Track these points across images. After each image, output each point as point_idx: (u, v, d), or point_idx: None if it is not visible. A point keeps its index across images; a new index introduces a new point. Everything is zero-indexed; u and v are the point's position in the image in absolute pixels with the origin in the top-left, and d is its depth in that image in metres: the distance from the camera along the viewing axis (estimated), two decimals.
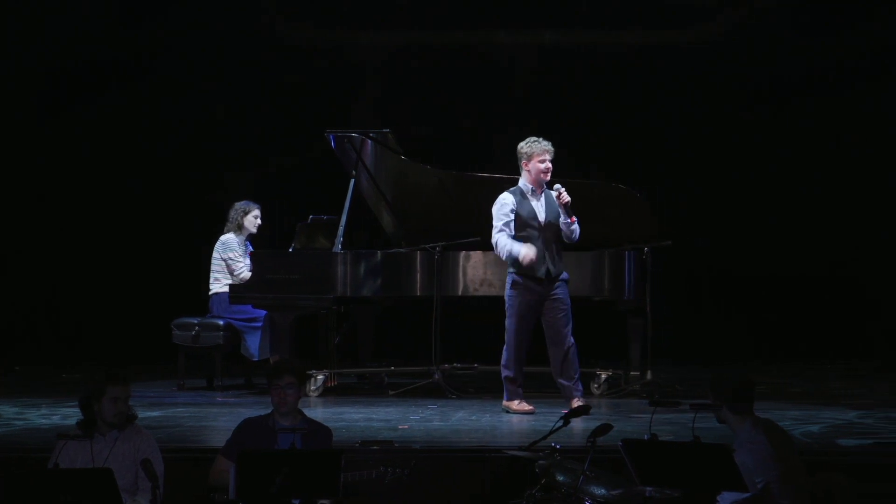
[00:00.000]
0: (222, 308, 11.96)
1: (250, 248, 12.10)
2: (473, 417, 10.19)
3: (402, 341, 13.72)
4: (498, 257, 11.10)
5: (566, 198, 10.12)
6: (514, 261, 10.21)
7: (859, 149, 14.63)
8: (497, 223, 10.26)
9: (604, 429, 7.11)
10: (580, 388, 10.37)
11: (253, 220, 12.19)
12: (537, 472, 7.12)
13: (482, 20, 14.91)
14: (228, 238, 12.11)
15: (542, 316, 10.30)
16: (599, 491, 6.96)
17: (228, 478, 6.99)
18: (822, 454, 8.42)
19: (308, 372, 11.26)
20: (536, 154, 10.21)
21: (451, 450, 8.66)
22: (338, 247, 11.54)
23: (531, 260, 10.11)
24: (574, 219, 10.14)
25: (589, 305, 10.71)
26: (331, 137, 11.79)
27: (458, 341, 12.74)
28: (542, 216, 10.25)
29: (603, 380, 11.53)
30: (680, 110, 14.86)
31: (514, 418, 10.11)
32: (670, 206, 14.43)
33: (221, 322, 11.95)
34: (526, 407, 10.30)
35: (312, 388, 11.41)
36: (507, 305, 10.35)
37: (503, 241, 10.20)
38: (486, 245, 11.31)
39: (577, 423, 8.01)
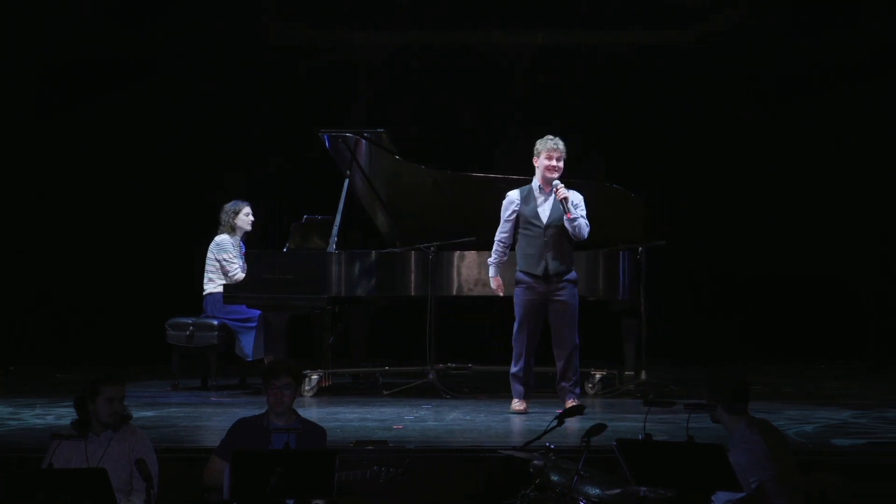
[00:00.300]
0: (216, 308, 11.96)
1: (244, 249, 12.11)
2: (468, 417, 10.17)
3: (397, 341, 13.75)
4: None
5: (562, 193, 10.12)
6: (518, 258, 10.29)
7: (859, 149, 14.61)
8: (501, 221, 10.38)
9: (598, 429, 7.11)
10: (577, 391, 10.37)
11: (245, 218, 12.20)
12: (532, 472, 7.11)
13: (482, 20, 14.90)
14: (222, 239, 12.11)
15: (548, 316, 10.31)
16: (594, 491, 6.96)
17: (223, 478, 7.02)
18: (816, 454, 8.41)
19: (303, 372, 11.27)
20: (544, 152, 10.24)
21: (445, 450, 8.66)
22: (332, 247, 11.54)
23: (498, 292, 10.48)
24: (570, 214, 10.12)
25: (583, 305, 10.69)
26: (325, 137, 11.79)
27: (453, 341, 12.78)
28: (545, 214, 10.25)
29: (597, 380, 11.53)
30: (680, 110, 14.85)
31: (509, 418, 10.10)
32: (670, 206, 14.49)
33: (216, 322, 11.95)
34: (518, 406, 10.31)
35: (307, 387, 11.41)
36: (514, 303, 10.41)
37: (492, 255, 10.43)
38: (481, 245, 11.35)
39: (572, 423, 8.05)
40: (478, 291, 11.44)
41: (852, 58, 14.55)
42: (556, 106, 14.70)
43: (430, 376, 11.41)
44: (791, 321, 14.59)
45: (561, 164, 10.25)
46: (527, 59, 14.98)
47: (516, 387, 10.37)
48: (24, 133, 14.80)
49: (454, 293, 11.47)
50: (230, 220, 12.15)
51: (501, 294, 10.52)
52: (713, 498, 6.81)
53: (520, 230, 10.31)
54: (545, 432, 7.36)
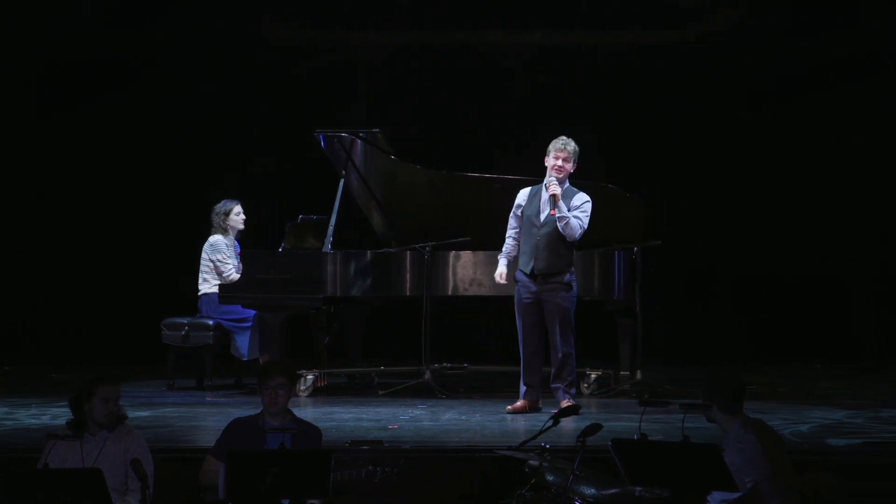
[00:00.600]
0: (211, 308, 11.96)
1: (238, 249, 12.11)
2: (463, 417, 10.16)
3: (392, 341, 13.75)
4: (487, 257, 11.16)
5: (553, 189, 10.11)
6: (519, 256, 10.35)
7: (859, 149, 14.61)
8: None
9: (593, 429, 7.11)
10: (573, 392, 10.37)
11: (236, 217, 12.19)
12: (527, 472, 7.11)
13: (481, 20, 14.90)
14: (216, 240, 12.11)
15: (544, 317, 10.32)
16: (589, 491, 6.95)
17: (218, 478, 7.01)
18: (811, 454, 8.42)
19: (298, 372, 11.26)
20: (552, 151, 10.25)
21: (440, 450, 8.65)
22: (327, 247, 11.54)
23: (498, 279, 10.43)
24: (555, 211, 10.10)
25: (579, 305, 10.68)
26: (320, 137, 11.79)
27: (448, 341, 12.78)
28: (544, 214, 10.25)
29: (593, 380, 11.53)
30: (680, 110, 14.85)
31: (505, 418, 10.10)
32: (670, 206, 14.48)
33: (211, 322, 11.95)
34: (514, 405, 10.31)
35: (302, 387, 11.39)
36: None
37: (505, 245, 10.40)
38: (476, 245, 11.35)
39: (567, 423, 8.01)
40: (473, 291, 11.45)
41: (852, 58, 14.54)
42: (556, 106, 14.70)
43: (426, 376, 11.40)
44: (790, 321, 14.58)
45: (568, 165, 10.22)
46: (527, 59, 14.97)
47: (521, 387, 10.39)
48: (24, 133, 14.80)
49: (450, 293, 11.47)
50: (221, 221, 12.15)
51: (503, 282, 10.45)
52: (709, 498, 6.82)
53: (522, 227, 10.34)
54: (541, 432, 7.37)
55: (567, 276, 10.26)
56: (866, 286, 14.69)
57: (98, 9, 14.71)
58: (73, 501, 6.56)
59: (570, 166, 10.24)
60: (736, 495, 6.80)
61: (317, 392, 11.54)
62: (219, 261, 12.00)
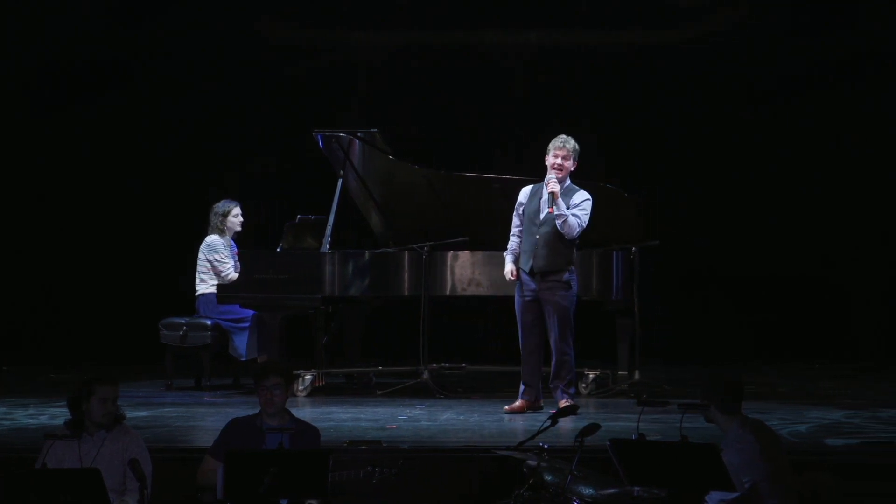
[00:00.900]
0: (209, 309, 11.96)
1: (235, 248, 12.12)
2: (462, 417, 10.17)
3: (390, 341, 13.74)
4: (485, 257, 11.16)
5: (552, 187, 10.11)
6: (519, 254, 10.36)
7: (859, 149, 14.61)
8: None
9: (591, 429, 7.11)
10: (571, 391, 10.37)
11: (234, 219, 12.19)
12: (525, 472, 7.11)
13: (481, 20, 14.90)
14: (213, 240, 12.11)
15: (543, 317, 10.31)
16: (587, 491, 6.95)
17: (216, 478, 7.00)
18: (809, 454, 8.43)
19: (295, 372, 11.26)
20: (551, 149, 10.27)
21: (439, 450, 8.66)
22: (326, 246, 11.55)
23: (509, 278, 10.35)
24: (553, 209, 10.10)
25: (578, 305, 10.67)
26: (318, 137, 11.79)
27: (447, 341, 12.77)
28: (543, 211, 10.25)
29: (591, 379, 11.53)
30: (680, 110, 14.84)
31: (503, 418, 10.10)
32: (670, 206, 14.47)
33: (209, 322, 11.95)
34: (512, 405, 10.32)
35: (300, 387, 11.40)
36: None
37: (510, 243, 10.38)
38: (475, 245, 11.35)
39: (565, 423, 8.01)
40: (471, 291, 11.45)
41: (852, 58, 14.54)
42: (556, 106, 14.69)
43: (424, 376, 11.40)
44: (789, 321, 14.58)
45: (568, 163, 10.22)
46: (527, 59, 14.97)
47: (520, 386, 10.39)
48: (24, 133, 14.80)
49: (448, 293, 11.47)
50: (219, 222, 12.15)
51: (514, 278, 10.38)
52: (707, 498, 6.81)
53: (522, 225, 10.35)
54: (539, 432, 7.36)
55: (566, 275, 10.25)
56: (866, 286, 14.69)
57: (98, 9, 14.71)
58: (72, 501, 6.56)
59: (569, 164, 10.24)
60: (734, 495, 6.79)
61: (315, 392, 11.53)
62: (217, 260, 12.00)
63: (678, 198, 14.72)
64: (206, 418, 10.14)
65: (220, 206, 12.20)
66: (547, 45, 14.97)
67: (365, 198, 12.18)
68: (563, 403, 9.63)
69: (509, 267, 10.39)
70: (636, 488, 6.72)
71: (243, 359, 11.92)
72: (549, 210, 10.14)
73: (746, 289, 14.69)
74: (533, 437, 7.34)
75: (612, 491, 6.93)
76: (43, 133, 14.82)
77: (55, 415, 9.80)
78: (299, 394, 11.32)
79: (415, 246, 11.43)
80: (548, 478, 7.02)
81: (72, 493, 6.57)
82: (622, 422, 9.14)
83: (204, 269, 12.05)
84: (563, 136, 10.28)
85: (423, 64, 14.94)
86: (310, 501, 6.96)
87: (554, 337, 10.24)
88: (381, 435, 9.05)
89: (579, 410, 8.36)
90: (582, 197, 10.25)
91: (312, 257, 11.57)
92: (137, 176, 14.82)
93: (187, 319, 12.03)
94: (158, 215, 14.63)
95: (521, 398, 10.33)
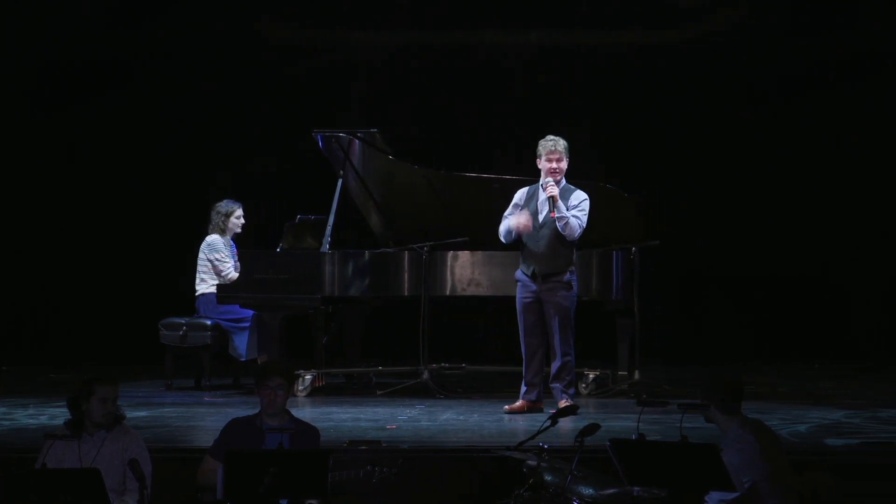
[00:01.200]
0: (209, 309, 11.96)
1: (235, 249, 12.11)
2: (461, 417, 10.17)
3: (390, 341, 13.74)
4: (485, 257, 11.15)
5: (551, 191, 10.10)
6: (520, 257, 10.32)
7: (859, 149, 14.60)
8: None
9: (591, 429, 7.11)
10: (571, 391, 10.36)
11: (236, 221, 12.19)
12: (525, 472, 7.11)
13: (481, 20, 14.90)
14: (214, 239, 12.11)
15: (545, 317, 10.31)
16: (587, 491, 6.95)
17: (216, 478, 7.00)
18: (809, 454, 8.43)
19: (296, 372, 11.27)
20: (544, 155, 10.23)
21: (439, 450, 8.66)
22: (326, 247, 11.55)
23: (525, 226, 10.20)
24: (555, 214, 10.10)
25: (578, 305, 10.67)
26: (318, 137, 11.79)
27: (446, 341, 12.76)
28: (542, 215, 10.24)
29: (591, 380, 11.52)
30: (680, 110, 14.84)
31: (503, 418, 10.10)
32: (670, 206, 14.47)
33: (209, 322, 11.95)
34: (511, 405, 10.33)
35: (300, 387, 11.40)
36: None
37: (501, 225, 10.31)
38: (475, 245, 11.35)
39: (565, 423, 8.01)
40: (471, 291, 11.45)
41: (852, 58, 14.54)
42: (556, 106, 14.69)
43: (424, 376, 11.40)
44: (790, 321, 14.58)
45: (562, 165, 10.22)
46: (527, 59, 14.96)
47: (522, 387, 10.39)
48: (24, 133, 14.80)
49: (448, 293, 11.47)
50: (221, 222, 12.15)
51: (528, 226, 10.31)
52: (706, 498, 6.81)
53: None
54: (539, 432, 7.36)
55: (567, 276, 10.25)
56: (866, 286, 14.68)
57: (98, 9, 14.71)
58: (72, 501, 6.56)
59: (564, 164, 10.24)
60: (734, 495, 6.79)
61: (315, 392, 11.53)
62: (217, 260, 12.00)
63: (678, 198, 14.73)
64: (206, 418, 10.14)
65: (223, 206, 12.20)
66: (547, 45, 14.96)
67: (365, 198, 12.18)
68: (563, 403, 9.63)
69: (521, 216, 10.27)
70: (636, 488, 6.73)
71: (243, 359, 11.91)
72: (551, 214, 10.13)
73: (746, 289, 14.69)
74: (533, 438, 7.34)
75: (612, 491, 6.93)
76: (43, 133, 14.82)
77: (55, 415, 9.80)
78: (299, 394, 11.32)
79: (415, 246, 11.42)
80: (548, 478, 7.02)
81: (72, 493, 6.57)
82: (622, 422, 9.14)
83: (204, 269, 12.05)
84: (551, 136, 10.28)
85: (423, 64, 14.93)
86: (310, 501, 6.96)
87: (555, 337, 10.23)
88: (381, 435, 9.05)
89: (579, 410, 8.36)
90: (580, 197, 10.25)
91: (312, 257, 11.57)
92: (137, 176, 14.82)
93: (187, 319, 12.02)
94: (158, 215, 14.63)
95: (522, 398, 10.33)
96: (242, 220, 12.23)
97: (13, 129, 14.76)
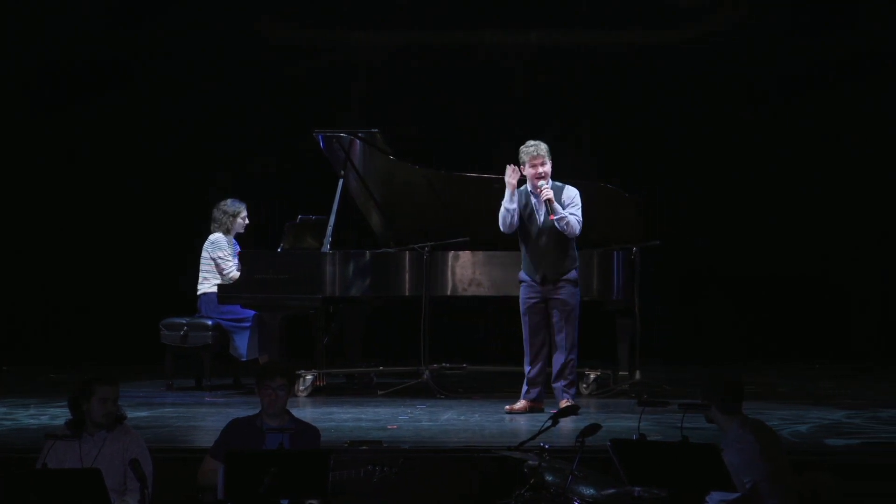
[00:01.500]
0: (210, 308, 11.96)
1: (237, 248, 12.11)
2: (462, 417, 10.17)
3: (391, 341, 13.74)
4: (486, 257, 11.15)
5: (546, 194, 10.10)
6: (522, 261, 10.31)
7: (859, 149, 14.61)
8: None
9: (592, 429, 7.11)
10: (572, 391, 10.35)
11: (241, 221, 12.18)
12: (526, 472, 7.11)
13: (481, 20, 14.90)
14: (217, 238, 12.11)
15: (549, 316, 10.30)
16: (588, 491, 6.95)
17: (216, 478, 7.00)
18: (810, 454, 8.43)
19: (297, 372, 11.28)
20: (527, 161, 10.20)
21: (439, 450, 8.65)
22: (326, 247, 11.55)
23: (512, 185, 10.14)
24: (554, 216, 10.09)
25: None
26: (319, 137, 11.79)
27: (447, 341, 12.76)
28: (540, 220, 10.24)
29: (592, 380, 11.52)
30: (680, 110, 14.84)
31: (504, 418, 10.10)
32: (670, 206, 14.48)
33: (210, 322, 11.94)
34: (513, 405, 10.32)
35: (301, 388, 11.40)
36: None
37: (500, 221, 10.26)
38: (475, 245, 11.34)
39: (566, 423, 8.01)
40: (472, 291, 11.45)
41: (852, 58, 14.54)
42: (556, 106, 14.72)
43: (425, 376, 11.40)
44: (790, 321, 14.58)
45: (547, 168, 10.20)
46: (527, 59, 14.97)
47: (523, 387, 10.38)
48: (24, 133, 14.80)
49: (448, 293, 11.46)
50: (228, 221, 12.15)
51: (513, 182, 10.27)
52: (707, 498, 6.81)
53: (519, 235, 10.32)
54: (539, 432, 7.36)
55: (573, 273, 10.27)
56: (866, 286, 14.69)
57: (98, 9, 14.71)
58: (72, 501, 6.56)
59: (548, 167, 10.20)
60: (735, 495, 6.79)
61: (316, 392, 11.53)
62: (220, 258, 12.00)
63: (678, 198, 14.73)
64: (207, 418, 10.14)
65: (229, 206, 12.19)
66: (547, 45, 14.97)
67: (366, 198, 12.18)
68: (564, 403, 9.63)
69: (510, 176, 10.20)
70: (637, 488, 6.73)
71: (244, 359, 11.91)
72: (551, 217, 10.12)
73: (746, 289, 14.69)
74: (534, 438, 7.33)
75: (612, 491, 6.93)
76: (43, 133, 14.82)
77: (56, 415, 9.80)
78: (300, 394, 11.33)
79: (415, 246, 11.42)
80: (548, 478, 7.02)
81: (72, 493, 6.57)
82: (623, 422, 9.15)
83: (207, 268, 12.05)
84: (531, 142, 10.24)
85: (423, 64, 14.93)
86: (310, 501, 6.95)
87: (560, 336, 10.23)
88: (382, 435, 9.05)
89: (580, 410, 8.37)
90: (570, 193, 10.26)
91: (313, 257, 11.57)
92: (137, 176, 14.82)
93: (188, 319, 12.02)
94: (158, 215, 14.63)
95: (524, 398, 10.33)
96: (246, 221, 12.24)
97: (13, 129, 14.76)
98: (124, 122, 14.85)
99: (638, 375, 11.46)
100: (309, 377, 11.53)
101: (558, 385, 10.26)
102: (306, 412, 9.90)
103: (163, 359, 12.17)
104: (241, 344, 11.88)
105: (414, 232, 11.84)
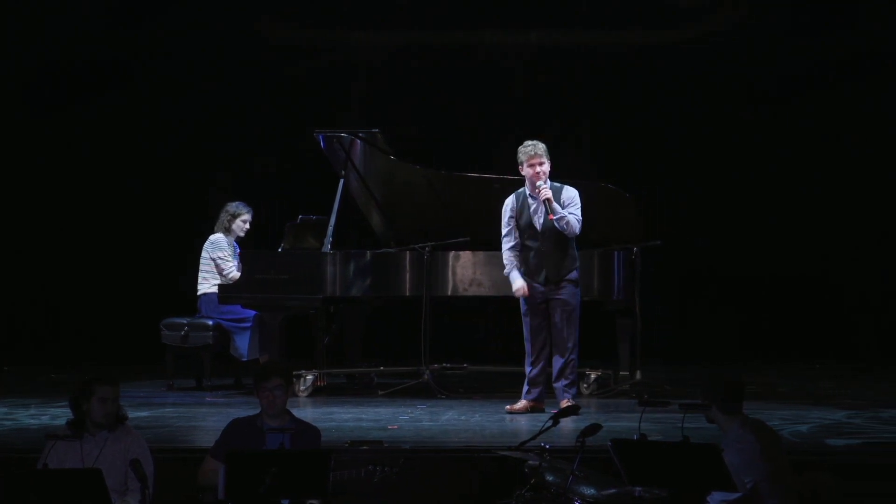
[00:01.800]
0: (211, 308, 11.96)
1: (238, 249, 12.11)
2: (463, 417, 10.16)
3: (392, 341, 13.76)
4: (487, 257, 11.15)
5: (545, 194, 10.10)
6: (522, 263, 10.32)
7: (859, 149, 14.61)
8: (502, 231, 10.34)
9: (593, 429, 7.11)
10: (573, 391, 10.35)
11: (241, 224, 12.19)
12: (527, 472, 7.10)
13: (481, 20, 14.90)
14: (217, 238, 12.11)
15: (550, 316, 10.30)
16: (589, 491, 6.95)
17: (217, 478, 6.99)
18: (810, 454, 8.42)
19: (297, 372, 11.30)
20: (525, 161, 10.20)
21: (440, 450, 8.63)
22: (327, 247, 11.54)
23: (521, 294, 10.26)
24: (553, 216, 10.09)
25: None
26: (320, 137, 11.79)
27: (448, 341, 12.77)
28: (539, 221, 10.23)
29: (592, 380, 11.52)
30: (680, 110, 14.85)
31: (504, 418, 10.09)
32: (670, 206, 14.50)
33: (210, 322, 11.94)
34: (513, 405, 10.32)
35: (302, 388, 11.40)
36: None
37: (506, 259, 10.31)
38: (476, 245, 11.35)
39: (567, 423, 8.02)
40: (472, 291, 11.44)
41: (852, 58, 14.54)
42: (556, 106, 14.72)
43: (426, 376, 11.38)
44: (790, 321, 14.59)
45: (545, 168, 10.19)
46: (527, 59, 14.97)
47: (524, 387, 10.38)
48: (24, 133, 14.80)
49: (449, 293, 11.45)
50: (227, 221, 12.16)
51: (527, 293, 10.29)
52: (708, 498, 6.81)
53: (519, 237, 10.31)
54: (540, 432, 7.37)
55: (574, 273, 10.27)
56: (866, 286, 14.68)
57: (98, 9, 14.71)
58: (73, 502, 6.56)
59: (547, 167, 10.20)
60: (736, 495, 6.79)
61: (316, 392, 11.52)
62: (220, 258, 12.00)
63: (678, 198, 14.74)
64: (207, 418, 10.13)
65: (232, 207, 12.20)
66: (547, 45, 14.97)
67: (366, 198, 12.18)
68: (564, 403, 9.63)
69: (521, 283, 10.26)
70: (637, 488, 6.73)
71: (245, 359, 11.91)
72: (550, 217, 10.12)
73: (747, 289, 14.70)
74: (534, 438, 7.34)
75: (613, 491, 6.93)
76: (43, 133, 14.82)
77: (56, 415, 9.81)
78: (301, 394, 11.33)
79: (416, 246, 11.42)
80: (549, 478, 7.02)
81: (73, 493, 6.57)
82: (623, 422, 9.14)
83: (207, 268, 12.05)
84: (529, 142, 10.24)
85: (423, 64, 14.94)
86: (311, 501, 6.95)
87: (562, 336, 10.23)
88: (383, 435, 9.04)
89: (581, 410, 8.36)
90: (569, 193, 10.26)
91: (314, 257, 11.57)
92: (137, 176, 14.83)
93: (189, 320, 12.02)
94: (158, 215, 14.63)
95: (525, 398, 10.33)
96: (248, 226, 12.23)
97: (13, 129, 14.76)
98: (124, 122, 14.86)
99: (638, 375, 11.46)
100: (309, 377, 11.53)
101: (559, 385, 10.26)
102: (307, 412, 9.90)
103: (163, 359, 12.17)
104: (242, 344, 11.88)
105: (414, 232, 11.84)
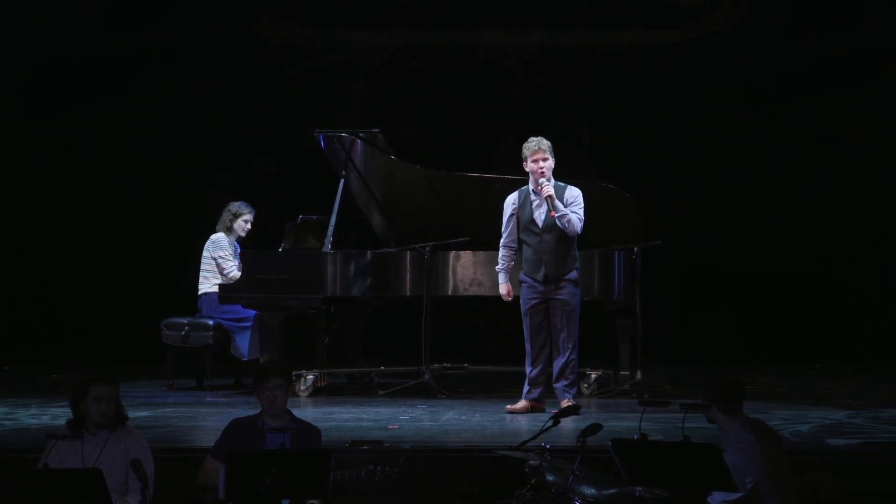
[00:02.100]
0: (211, 308, 11.96)
1: (239, 249, 12.11)
2: (463, 417, 10.16)
3: (392, 341, 13.76)
4: (487, 257, 11.16)
5: (547, 191, 10.10)
6: (523, 262, 10.34)
7: (859, 149, 14.61)
8: (502, 228, 10.39)
9: (593, 429, 7.11)
10: (573, 391, 10.35)
11: (242, 224, 12.19)
12: (527, 472, 7.10)
13: (481, 20, 14.90)
14: (219, 237, 12.12)
15: (550, 316, 10.31)
16: (589, 491, 6.95)
17: (217, 478, 6.99)
18: (811, 454, 8.42)
19: (297, 372, 11.31)
20: (529, 156, 10.22)
21: (440, 450, 8.63)
22: (327, 247, 11.55)
23: (506, 297, 10.43)
24: (555, 213, 10.09)
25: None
26: (320, 137, 11.80)
27: (448, 341, 12.76)
28: (541, 218, 10.24)
29: (593, 380, 11.52)
30: (680, 110, 14.85)
31: (505, 418, 10.09)
32: (670, 206, 14.49)
33: (211, 322, 11.95)
34: (513, 405, 10.32)
35: (302, 387, 11.41)
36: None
37: (500, 255, 10.40)
38: (476, 245, 11.35)
39: (567, 423, 8.02)
40: (473, 291, 11.45)
41: (852, 58, 14.54)
42: (556, 106, 14.71)
43: (426, 376, 11.38)
44: (790, 321, 14.59)
45: (549, 164, 10.21)
46: (527, 59, 14.97)
47: (524, 387, 10.37)
48: (24, 133, 14.80)
49: (449, 293, 11.46)
50: (228, 220, 12.16)
51: (510, 300, 10.48)
52: (709, 498, 6.81)
53: (520, 234, 10.32)
54: (541, 432, 7.36)
55: (574, 273, 10.27)
56: (866, 286, 14.68)
57: (98, 9, 14.71)
58: (73, 502, 6.55)
59: (551, 163, 10.22)
60: (736, 495, 6.79)
61: (317, 392, 11.53)
62: (221, 258, 12.00)
63: (678, 198, 14.74)
64: (208, 418, 10.13)
65: (234, 206, 12.21)
66: (547, 45, 14.97)
67: (367, 198, 12.18)
68: (565, 403, 9.64)
69: (505, 288, 10.43)
70: (638, 488, 6.73)
71: (245, 359, 11.92)
72: (552, 214, 10.12)
73: (746, 289, 14.70)
74: (535, 437, 7.33)
75: (613, 491, 6.92)
76: (43, 133, 14.82)
77: (57, 415, 9.82)
78: (301, 394, 11.33)
79: (416, 246, 11.42)
80: (550, 478, 7.02)
81: (73, 493, 6.56)
82: (624, 422, 9.14)
83: (208, 267, 12.05)
84: (533, 138, 10.26)
85: (423, 64, 14.94)
86: (311, 501, 6.94)
87: (562, 336, 10.23)
88: (383, 435, 9.03)
89: (581, 410, 8.36)
90: (573, 192, 10.26)
91: (314, 257, 11.57)
92: (137, 176, 14.83)
93: (189, 319, 12.02)
94: (158, 215, 14.63)
95: (525, 398, 10.33)
96: (249, 227, 12.23)
97: (13, 129, 14.76)
98: (124, 122, 14.86)
99: (639, 375, 11.45)
100: (310, 377, 11.53)
101: (559, 385, 10.26)
102: (307, 412, 9.91)
103: (164, 359, 12.17)
104: (243, 344, 11.88)
105: (415, 232, 11.84)
